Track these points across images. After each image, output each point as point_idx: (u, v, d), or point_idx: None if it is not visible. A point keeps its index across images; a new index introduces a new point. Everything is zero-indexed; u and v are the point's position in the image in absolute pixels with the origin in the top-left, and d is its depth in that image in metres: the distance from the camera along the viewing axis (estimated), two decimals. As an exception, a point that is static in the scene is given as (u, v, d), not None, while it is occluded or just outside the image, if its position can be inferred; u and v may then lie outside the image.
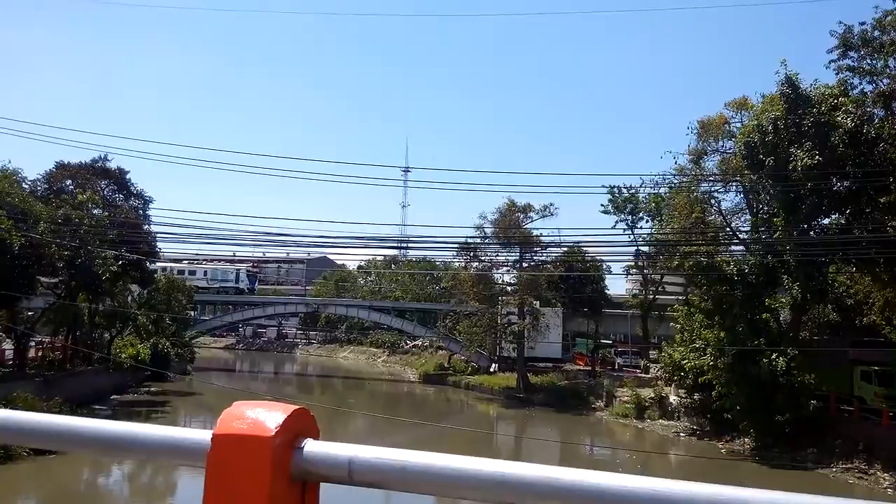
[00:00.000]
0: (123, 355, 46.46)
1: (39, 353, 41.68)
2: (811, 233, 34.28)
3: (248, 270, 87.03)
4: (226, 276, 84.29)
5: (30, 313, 45.24)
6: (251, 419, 1.43)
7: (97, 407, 38.64)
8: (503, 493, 1.30)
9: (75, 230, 37.07)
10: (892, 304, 37.00)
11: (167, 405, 44.40)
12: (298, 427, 1.46)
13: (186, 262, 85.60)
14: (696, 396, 41.31)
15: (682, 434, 40.45)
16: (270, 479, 1.38)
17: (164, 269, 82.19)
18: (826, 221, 34.64)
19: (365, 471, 1.40)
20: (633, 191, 55.74)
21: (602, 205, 57.56)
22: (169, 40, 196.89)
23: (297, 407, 1.49)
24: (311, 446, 1.44)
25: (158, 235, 45.30)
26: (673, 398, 44.52)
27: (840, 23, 31.52)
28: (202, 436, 1.45)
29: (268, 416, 1.43)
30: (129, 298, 51.71)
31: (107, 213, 43.06)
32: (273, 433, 1.39)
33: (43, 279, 39.17)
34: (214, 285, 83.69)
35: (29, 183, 42.45)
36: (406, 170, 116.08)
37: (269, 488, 1.37)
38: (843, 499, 1.23)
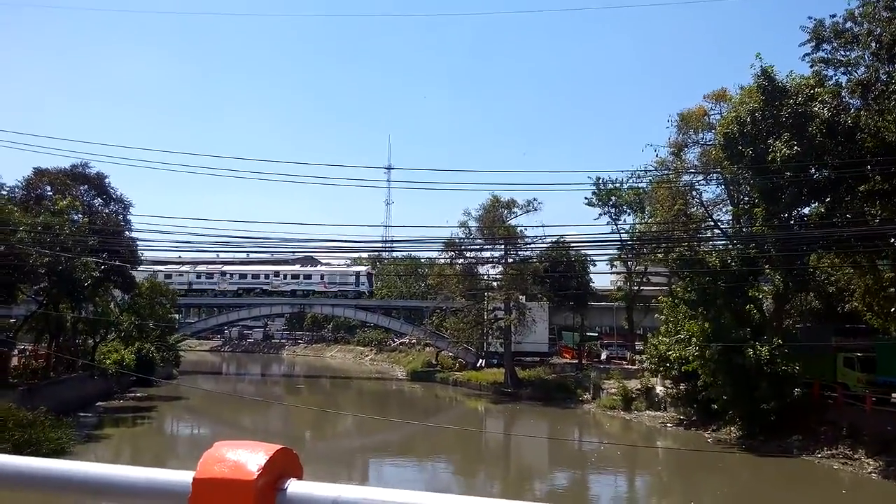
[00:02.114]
0: (108, 361, 46.05)
1: (22, 362, 41.21)
2: (791, 222, 34.59)
3: (368, 272, 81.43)
4: (345, 278, 79.75)
5: (11, 321, 44.73)
6: (232, 461, 1.40)
7: (82, 414, 38.33)
8: None
9: (56, 237, 36.65)
10: (872, 290, 37.48)
11: (153, 411, 44.10)
12: (281, 467, 1.43)
13: (299, 264, 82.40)
14: (682, 387, 41.62)
15: (669, 424, 40.74)
16: None
17: (277, 274, 79.39)
18: (806, 211, 34.98)
19: None
20: (618, 183, 56.03)
21: (586, 198, 57.79)
22: (147, 46, 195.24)
23: (279, 447, 1.46)
24: (295, 487, 1.40)
25: (140, 241, 44.89)
26: (659, 389, 44.84)
27: (809, 17, 31.86)
28: (183, 478, 1.42)
29: (249, 458, 1.40)
30: (112, 304, 51.29)
31: (87, 219, 42.61)
32: (255, 476, 1.36)
33: (24, 287, 38.75)
34: (332, 288, 78.86)
35: (7, 189, 41.93)
36: (389, 169, 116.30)
37: None
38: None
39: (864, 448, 29.43)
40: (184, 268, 79.72)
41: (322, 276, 79.66)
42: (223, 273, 79.82)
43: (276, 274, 79.62)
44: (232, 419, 44.75)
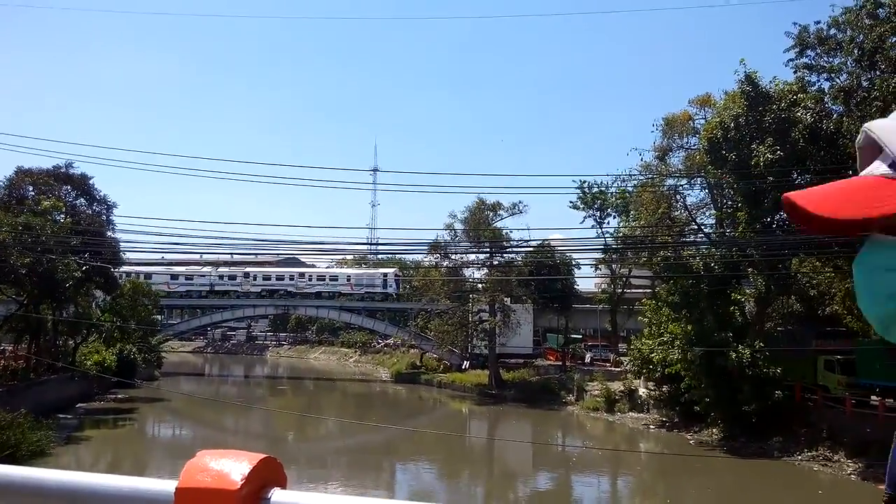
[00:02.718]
0: (88, 362, 45.57)
1: (1, 363, 40.72)
2: (774, 226, 34.93)
3: (396, 274, 79.00)
4: (372, 280, 77.81)
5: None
6: (215, 471, 1.38)
7: (62, 416, 37.91)
8: None
9: (37, 237, 36.27)
10: (852, 294, 37.72)
11: (135, 413, 43.69)
12: (265, 477, 1.41)
13: (326, 265, 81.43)
14: (664, 389, 41.84)
15: (651, 426, 40.95)
16: None
17: (302, 276, 77.33)
18: (788, 215, 35.23)
19: None
20: (603, 187, 56.34)
21: (571, 202, 58.02)
22: (131, 46, 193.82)
23: (263, 455, 1.44)
24: (279, 497, 1.39)
25: (123, 242, 44.58)
26: (642, 391, 45.06)
27: (795, 24, 32.21)
28: (166, 487, 1.39)
29: (233, 467, 1.38)
30: (94, 304, 50.80)
31: (70, 220, 42.22)
32: (238, 486, 1.34)
33: (4, 287, 38.34)
34: (359, 290, 76.79)
35: (-12, 189, 41.51)
36: (374, 171, 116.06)
37: None
38: None
39: (843, 450, 29.76)
40: (205, 269, 78.45)
41: (348, 278, 77.99)
42: (246, 274, 78.31)
43: (301, 276, 77.87)
44: (214, 421, 44.46)
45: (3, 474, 1.50)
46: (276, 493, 1.40)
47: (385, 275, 78.43)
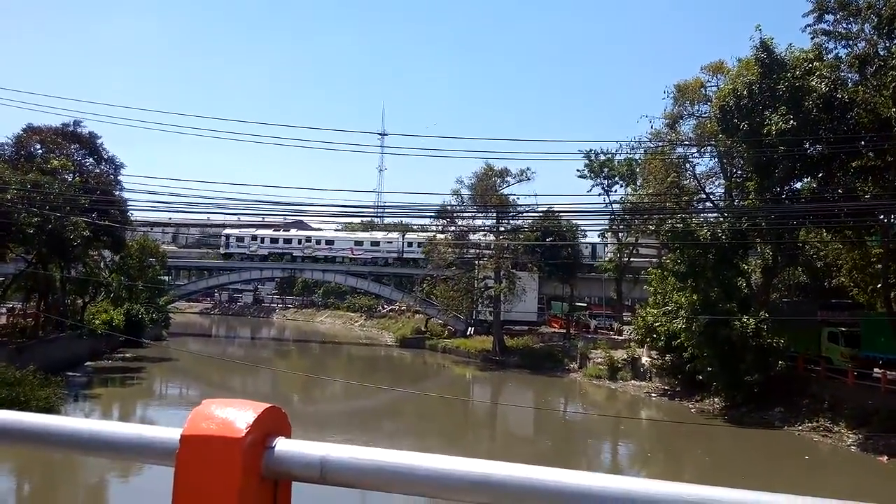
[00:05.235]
0: (97, 321, 45.97)
1: (11, 321, 41.08)
2: (783, 196, 34.64)
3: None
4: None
5: (0, 280, 44.54)
6: (220, 419, 1.40)
7: (71, 374, 38.38)
8: (480, 494, 1.27)
9: (45, 196, 36.32)
10: (860, 266, 37.78)
11: (142, 371, 44.18)
12: (269, 426, 1.43)
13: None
14: (667, 358, 42.04)
15: (653, 394, 41.23)
16: (240, 480, 1.35)
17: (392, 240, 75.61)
18: (798, 186, 35.00)
19: (337, 470, 1.37)
20: (609, 155, 55.89)
21: (578, 169, 57.64)
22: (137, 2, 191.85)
23: (268, 405, 1.45)
24: (283, 445, 1.41)
25: (132, 202, 44.69)
26: (645, 359, 45.28)
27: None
28: (171, 435, 1.42)
29: (237, 416, 1.40)
30: (102, 264, 51.10)
31: (79, 179, 42.24)
32: (243, 434, 1.37)
33: (13, 246, 38.51)
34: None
35: (-4, 146, 41.50)
36: (382, 135, 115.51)
37: (238, 489, 1.35)
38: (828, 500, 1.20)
39: (844, 421, 29.92)
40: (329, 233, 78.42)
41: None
42: (358, 242, 77.47)
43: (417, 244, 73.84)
44: (221, 381, 44.94)
45: (16, 421, 1.54)
46: (280, 442, 1.42)
47: None
